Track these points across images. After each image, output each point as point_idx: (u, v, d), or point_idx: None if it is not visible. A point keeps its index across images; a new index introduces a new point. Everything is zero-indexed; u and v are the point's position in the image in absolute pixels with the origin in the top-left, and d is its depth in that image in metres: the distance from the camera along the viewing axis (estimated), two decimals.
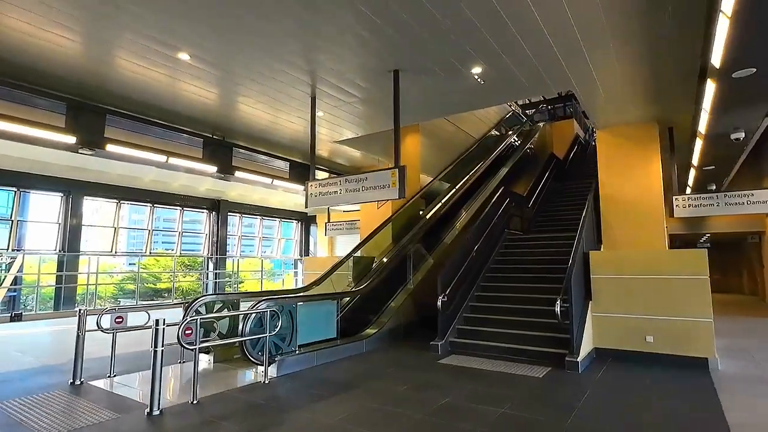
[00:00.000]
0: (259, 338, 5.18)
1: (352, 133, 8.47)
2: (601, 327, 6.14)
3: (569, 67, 5.53)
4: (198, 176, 11.54)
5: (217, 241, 15.88)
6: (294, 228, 19.91)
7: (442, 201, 11.26)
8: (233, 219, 16.92)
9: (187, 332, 4.29)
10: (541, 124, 18.79)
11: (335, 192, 6.07)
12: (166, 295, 23.06)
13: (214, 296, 6.12)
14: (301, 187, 10.35)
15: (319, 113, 7.23)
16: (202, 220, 16.42)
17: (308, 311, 6.02)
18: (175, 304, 13.68)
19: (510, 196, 9.69)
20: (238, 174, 8.75)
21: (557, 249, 8.10)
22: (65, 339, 7.81)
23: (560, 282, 7.06)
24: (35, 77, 5.85)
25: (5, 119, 5.60)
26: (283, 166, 9.92)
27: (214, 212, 16.09)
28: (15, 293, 15.21)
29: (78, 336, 4.96)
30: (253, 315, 5.22)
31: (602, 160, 7.96)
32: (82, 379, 4.90)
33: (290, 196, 15.55)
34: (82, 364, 4.94)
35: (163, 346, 3.98)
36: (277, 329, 5.19)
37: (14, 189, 11.35)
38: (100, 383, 4.91)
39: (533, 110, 21.05)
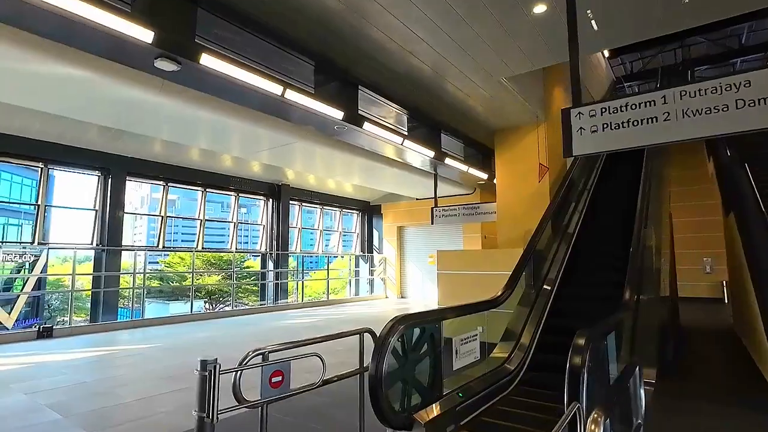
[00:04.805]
0: None
1: (552, 58, 5.53)
2: None
3: None
4: (253, 147, 8.67)
5: (277, 234, 13.14)
6: (355, 220, 17.08)
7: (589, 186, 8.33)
8: (292, 208, 14.16)
9: None
10: None
11: (661, 118, 3.12)
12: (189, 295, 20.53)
13: (415, 319, 3.31)
14: (428, 152, 7.40)
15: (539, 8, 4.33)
16: (228, 207, 13.74)
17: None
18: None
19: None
20: (366, 126, 5.90)
21: None
22: (125, 380, 5.03)
23: None
24: None
25: None
26: (403, 119, 6.98)
27: (272, 199, 13.37)
28: (36, 299, 12.69)
29: (203, 423, 2.13)
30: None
31: None
32: None
33: (353, 178, 12.65)
34: None
35: None
36: None
37: (40, 165, 8.72)
38: None
39: (639, 81, 18.12)
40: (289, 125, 7.36)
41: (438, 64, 5.60)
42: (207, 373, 2.16)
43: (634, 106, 3.27)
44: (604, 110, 3.40)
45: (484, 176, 9.60)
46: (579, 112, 3.52)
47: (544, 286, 6.12)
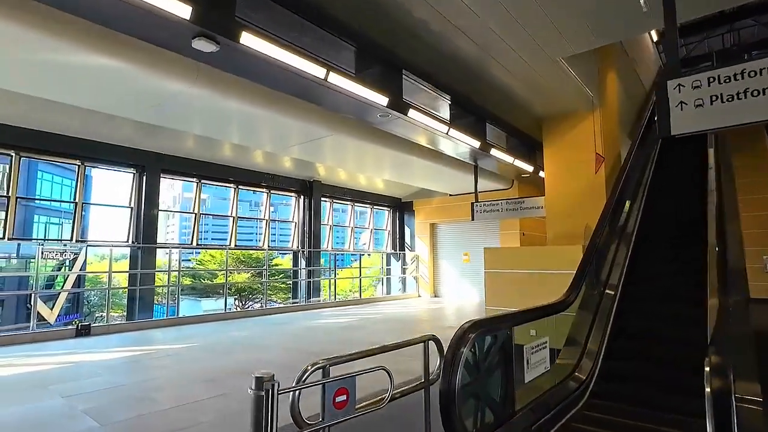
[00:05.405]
0: None
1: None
2: None
3: None
4: (285, 141, 8.33)
5: (309, 231, 12.92)
6: (386, 217, 16.71)
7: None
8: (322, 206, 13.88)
9: None
10: None
11: None
12: (221, 291, 20.53)
13: (487, 325, 2.87)
14: (474, 143, 6.89)
15: None
16: (258, 204, 13.57)
17: None
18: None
19: None
20: (411, 114, 5.48)
21: None
22: (163, 383, 4.80)
23: None
24: None
25: None
26: (446, 106, 6.50)
27: (304, 196, 13.17)
28: (76, 295, 12.96)
29: None
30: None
31: None
32: None
33: (384, 173, 12.19)
34: None
35: None
36: None
37: (77, 163, 8.71)
38: None
39: (686, 69, 16.88)
40: (323, 117, 7.03)
41: (489, 42, 5.11)
42: (264, 393, 1.80)
43: (753, 73, 2.73)
44: (712, 80, 2.86)
45: (530, 168, 9.00)
46: (679, 84, 2.99)
47: (607, 288, 5.55)
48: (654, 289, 5.45)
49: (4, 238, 7.77)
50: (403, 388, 2.66)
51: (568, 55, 5.37)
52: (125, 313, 9.53)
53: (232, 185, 11.48)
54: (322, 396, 2.06)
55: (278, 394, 1.83)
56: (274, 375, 1.86)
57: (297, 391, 1.96)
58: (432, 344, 2.88)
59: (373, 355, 2.46)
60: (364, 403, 2.30)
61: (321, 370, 2.12)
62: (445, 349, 2.74)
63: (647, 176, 7.74)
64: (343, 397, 2.08)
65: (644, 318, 5.07)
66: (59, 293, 13.11)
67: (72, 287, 12.73)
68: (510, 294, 6.37)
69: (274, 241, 16.21)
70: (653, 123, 10.03)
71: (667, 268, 5.70)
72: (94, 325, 7.97)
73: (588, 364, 4.46)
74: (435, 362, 2.78)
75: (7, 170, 7.95)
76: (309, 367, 2.07)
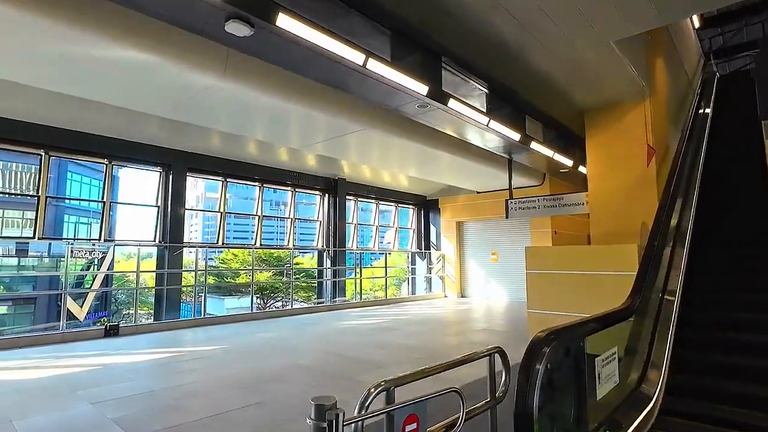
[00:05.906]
0: None
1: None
2: None
3: None
4: (310, 137, 8.00)
5: (334, 230, 12.69)
6: (411, 215, 16.35)
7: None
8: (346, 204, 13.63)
9: None
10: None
11: None
12: (244, 290, 20.49)
13: (562, 336, 2.52)
14: (513, 135, 6.45)
15: None
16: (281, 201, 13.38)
17: None
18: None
19: None
20: (451, 104, 5.13)
21: None
22: (194, 389, 4.58)
23: None
24: None
25: None
26: (484, 96, 6.09)
27: (328, 195, 12.94)
28: (104, 293, 13.03)
29: None
30: None
31: None
32: None
33: (409, 170, 11.73)
34: None
35: None
36: None
37: (105, 162, 8.66)
38: None
39: (722, 59, 16.10)
40: (351, 110, 6.73)
41: (535, 24, 4.71)
42: (326, 425, 1.50)
43: None
44: None
45: (569, 163, 8.50)
46: None
47: (667, 293, 5.06)
48: (720, 292, 4.98)
49: (34, 237, 7.77)
50: (468, 409, 2.32)
51: (624, 36, 4.90)
52: (152, 312, 9.48)
53: (257, 184, 11.33)
54: (387, 425, 1.74)
55: (343, 425, 1.52)
56: (336, 402, 1.55)
57: (361, 421, 1.65)
58: (497, 357, 2.55)
59: (439, 372, 2.14)
60: (434, 428, 1.98)
61: (385, 392, 1.81)
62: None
63: (699, 169, 7.20)
64: (413, 426, 1.76)
65: (711, 326, 4.61)
66: (88, 292, 13.24)
67: (100, 286, 12.83)
68: (555, 296, 5.95)
69: (296, 240, 16.11)
70: (699, 113, 9.40)
71: (731, 266, 5.20)
72: (122, 325, 7.90)
73: (654, 378, 4.02)
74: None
75: (38, 170, 7.94)
76: (372, 390, 1.76)
